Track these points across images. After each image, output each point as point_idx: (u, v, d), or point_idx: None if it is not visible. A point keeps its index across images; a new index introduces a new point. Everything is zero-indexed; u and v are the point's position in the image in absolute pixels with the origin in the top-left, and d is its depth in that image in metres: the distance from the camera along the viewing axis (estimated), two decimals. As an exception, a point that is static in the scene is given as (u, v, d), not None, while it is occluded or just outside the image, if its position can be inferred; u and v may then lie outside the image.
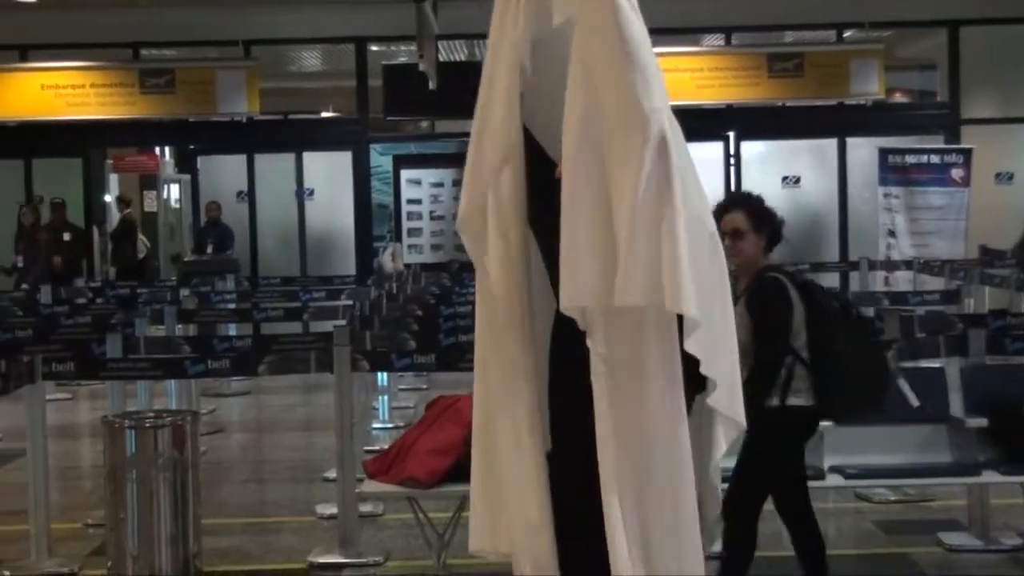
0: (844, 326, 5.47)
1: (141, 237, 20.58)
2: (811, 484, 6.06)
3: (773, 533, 7.94)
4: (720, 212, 5.38)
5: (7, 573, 7.27)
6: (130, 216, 21.11)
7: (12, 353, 8.22)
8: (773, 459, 5.59)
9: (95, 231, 20.07)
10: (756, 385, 5.11)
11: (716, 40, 18.99)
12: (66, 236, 17.48)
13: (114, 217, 22.58)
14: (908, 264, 15.40)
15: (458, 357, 7.91)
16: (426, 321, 10.11)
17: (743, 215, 5.58)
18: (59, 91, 17.93)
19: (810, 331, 5.41)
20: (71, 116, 18.00)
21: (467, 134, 16.21)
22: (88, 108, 17.95)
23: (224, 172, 18.98)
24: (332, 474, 8.48)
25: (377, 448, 9.40)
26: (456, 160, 19.02)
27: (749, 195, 5.77)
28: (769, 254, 5.67)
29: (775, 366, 5.33)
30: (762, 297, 5.44)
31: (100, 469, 6.95)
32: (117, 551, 6.49)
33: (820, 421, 5.77)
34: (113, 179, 22.96)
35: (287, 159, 18.77)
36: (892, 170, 16.59)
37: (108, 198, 22.98)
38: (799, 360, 5.37)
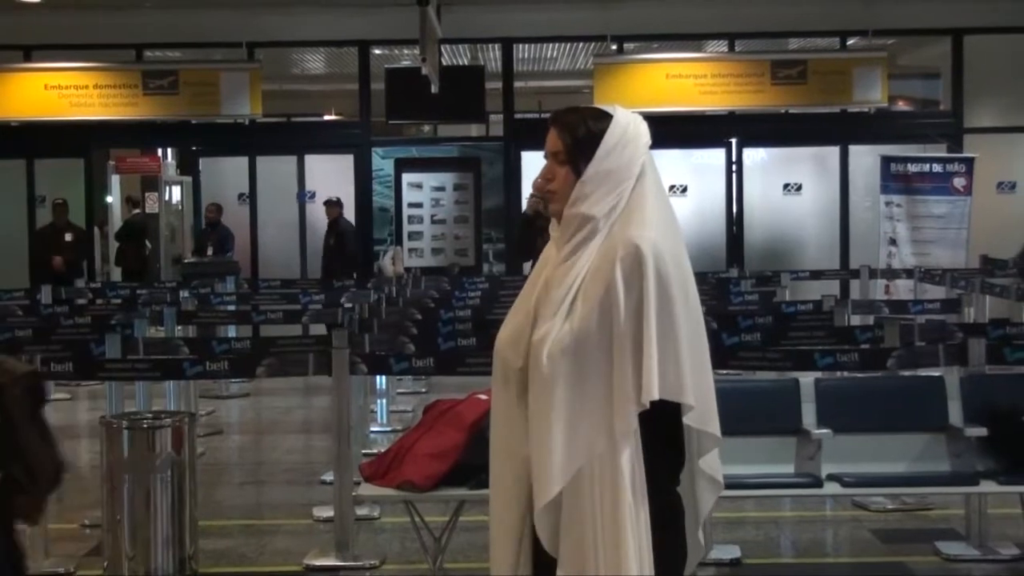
0: None
1: None
2: (809, 492, 6.05)
3: (768, 539, 7.95)
4: None
5: (3, 573, 7.27)
6: (137, 217, 21.14)
7: (12, 353, 8.23)
8: None
9: (96, 232, 20.08)
10: None
11: (719, 46, 18.99)
12: (68, 237, 17.49)
13: (116, 218, 22.65)
14: (909, 273, 15.38)
15: (457, 361, 7.92)
16: (425, 325, 10.10)
17: None
18: (62, 91, 17.93)
19: None
20: (74, 116, 17.99)
21: (469, 138, 16.25)
22: (91, 109, 17.95)
23: (226, 174, 18.98)
24: (329, 477, 8.48)
25: (375, 451, 9.39)
26: (457, 164, 19.05)
27: None
28: None
29: None
30: None
31: (98, 469, 6.96)
32: (113, 552, 6.50)
33: None
34: (115, 180, 22.97)
35: (289, 162, 18.77)
36: (894, 178, 16.59)
37: (110, 199, 23.02)
38: None
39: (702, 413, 3.41)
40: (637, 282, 3.32)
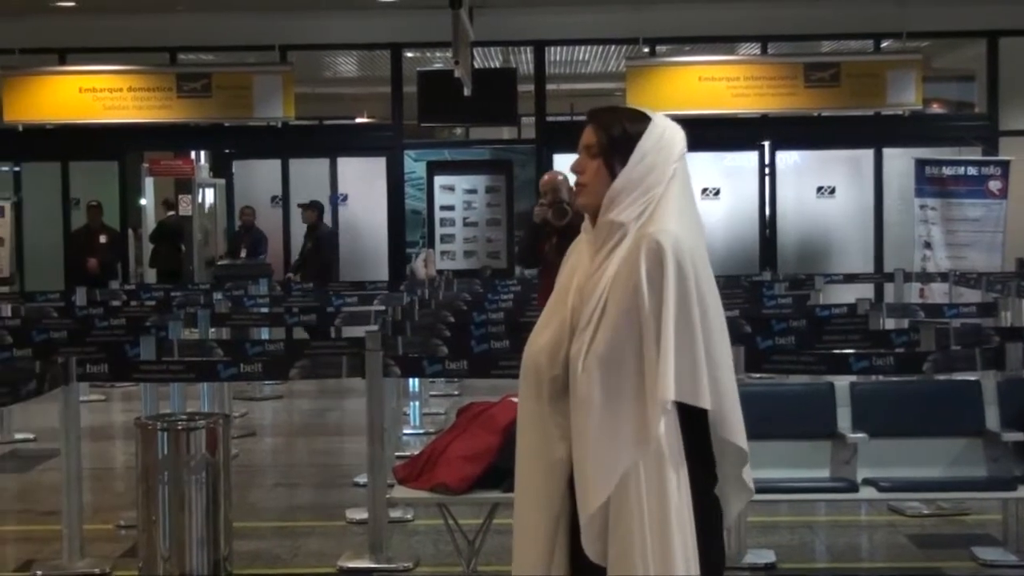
0: None
1: None
2: (844, 497, 6.02)
3: (803, 544, 7.92)
4: None
5: (39, 573, 7.30)
6: (171, 219, 21.23)
7: (47, 354, 8.28)
8: None
9: (131, 234, 20.18)
10: None
11: (752, 49, 18.95)
12: (102, 239, 17.58)
13: (150, 220, 22.75)
14: (944, 276, 15.31)
15: (490, 364, 7.90)
16: (458, 327, 10.10)
17: None
18: (97, 94, 18.04)
19: None
20: (108, 119, 18.10)
21: (501, 140, 16.23)
22: (125, 112, 18.05)
23: (259, 177, 19.05)
24: (362, 479, 8.48)
25: (408, 454, 9.39)
26: (489, 167, 19.06)
27: None
28: None
29: None
30: None
31: (132, 471, 6.98)
32: (148, 552, 6.50)
33: None
34: (149, 183, 23.07)
35: (321, 164, 18.82)
36: (929, 181, 16.51)
37: (144, 201, 23.11)
38: None
39: (723, 420, 3.41)
40: (659, 279, 3.31)
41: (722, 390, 3.39)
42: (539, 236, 9.64)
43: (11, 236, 17.70)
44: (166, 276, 19.60)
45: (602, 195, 3.48)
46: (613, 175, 3.47)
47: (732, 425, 3.42)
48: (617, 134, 3.48)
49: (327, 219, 18.36)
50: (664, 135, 3.49)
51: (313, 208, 17.54)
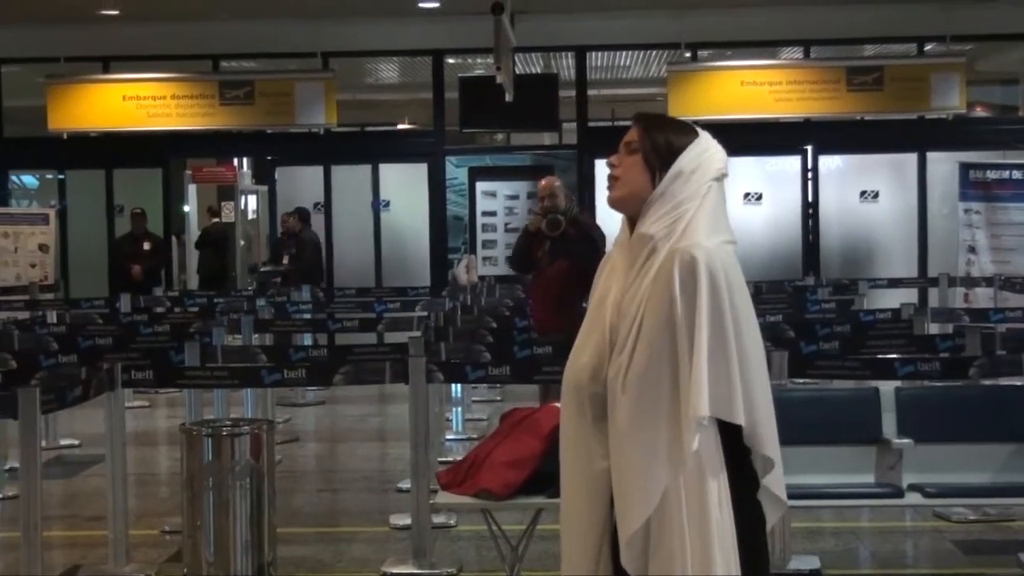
0: None
1: None
2: (890, 502, 5.98)
3: (847, 550, 7.87)
4: None
5: (84, 578, 7.35)
6: (216, 226, 21.35)
7: (93, 361, 8.33)
8: None
9: (174, 241, 20.29)
10: None
11: (795, 53, 18.87)
12: (146, 245, 17.68)
13: (193, 227, 22.90)
14: (989, 281, 15.20)
15: (533, 369, 7.90)
16: (500, 333, 10.11)
17: None
18: (140, 102, 18.15)
19: None
20: (152, 127, 18.22)
21: (542, 146, 16.27)
22: (168, 119, 18.16)
23: (301, 183, 19.10)
24: (406, 485, 8.50)
25: (450, 459, 9.40)
26: (531, 172, 19.05)
27: None
28: None
29: None
30: None
31: (177, 476, 7.02)
32: (193, 557, 6.54)
33: None
34: (192, 189, 23.20)
35: (363, 171, 18.84)
36: (973, 185, 16.40)
37: (187, 208, 23.27)
38: None
39: (754, 435, 3.39)
40: (692, 292, 3.30)
41: (756, 404, 3.37)
42: (532, 243, 9.69)
43: (56, 243, 17.81)
44: (209, 282, 19.71)
45: (634, 188, 3.47)
46: (651, 175, 3.45)
47: (764, 439, 3.41)
48: (661, 142, 3.46)
49: (369, 225, 18.42)
50: (705, 154, 3.47)
51: (297, 215, 17.74)
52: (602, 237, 9.97)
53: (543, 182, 10.07)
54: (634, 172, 3.47)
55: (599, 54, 18.94)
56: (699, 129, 3.53)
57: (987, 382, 7.70)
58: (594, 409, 3.46)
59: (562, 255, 9.71)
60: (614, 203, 3.54)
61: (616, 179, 3.52)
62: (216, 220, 21.76)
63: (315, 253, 17.77)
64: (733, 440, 3.38)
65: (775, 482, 3.48)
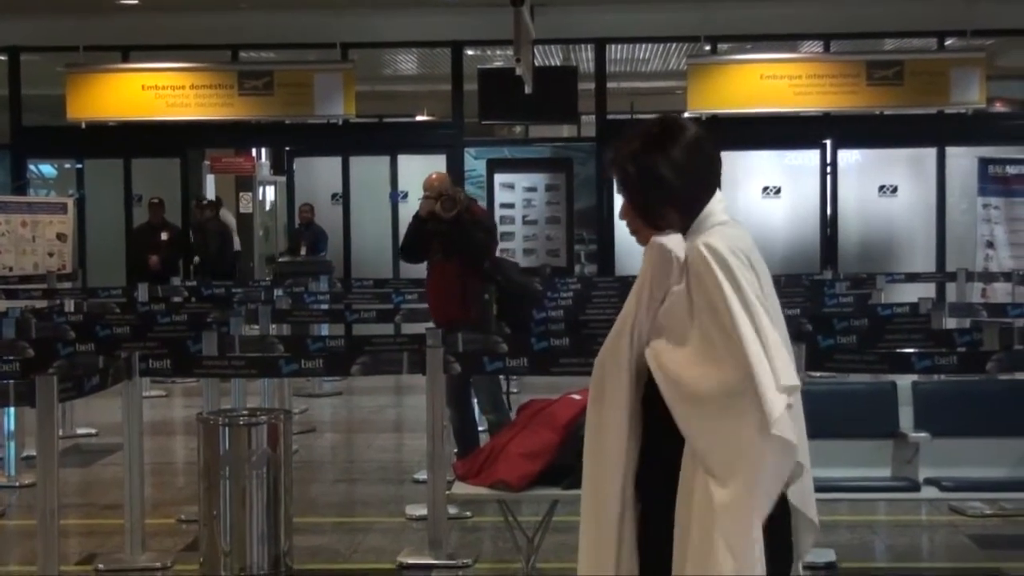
0: None
1: None
2: (906, 496, 5.98)
3: (863, 543, 7.87)
4: None
5: (101, 566, 7.37)
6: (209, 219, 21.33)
7: (111, 350, 8.36)
8: None
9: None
10: None
11: (815, 47, 18.82)
12: (164, 235, 17.70)
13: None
14: (1007, 276, 15.15)
15: (550, 361, 7.90)
16: (518, 324, 10.08)
17: None
18: (159, 92, 18.19)
19: None
20: (170, 117, 18.26)
21: (561, 139, 16.21)
22: (187, 109, 18.20)
23: (319, 174, 19.12)
24: (422, 475, 8.52)
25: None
26: (549, 165, 19.05)
27: None
28: None
29: None
30: None
31: (193, 465, 7.04)
32: (210, 547, 6.56)
33: None
34: (210, 180, 23.24)
35: (382, 162, 18.86)
36: (992, 180, 16.35)
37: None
38: None
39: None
40: (709, 275, 3.26)
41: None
42: (423, 231, 9.39)
43: (74, 232, 17.86)
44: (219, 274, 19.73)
45: (645, 229, 3.44)
46: (644, 206, 3.43)
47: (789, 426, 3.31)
48: (631, 173, 3.42)
49: (387, 216, 18.44)
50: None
51: (210, 206, 18.01)
52: (494, 226, 9.89)
53: (433, 175, 9.85)
54: (635, 217, 3.46)
55: (619, 47, 18.92)
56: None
57: (1004, 377, 7.69)
58: (625, 396, 3.40)
59: (459, 245, 9.25)
60: (649, 246, 3.45)
61: (636, 232, 3.50)
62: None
63: (227, 241, 17.97)
64: None
65: (806, 502, 3.42)
